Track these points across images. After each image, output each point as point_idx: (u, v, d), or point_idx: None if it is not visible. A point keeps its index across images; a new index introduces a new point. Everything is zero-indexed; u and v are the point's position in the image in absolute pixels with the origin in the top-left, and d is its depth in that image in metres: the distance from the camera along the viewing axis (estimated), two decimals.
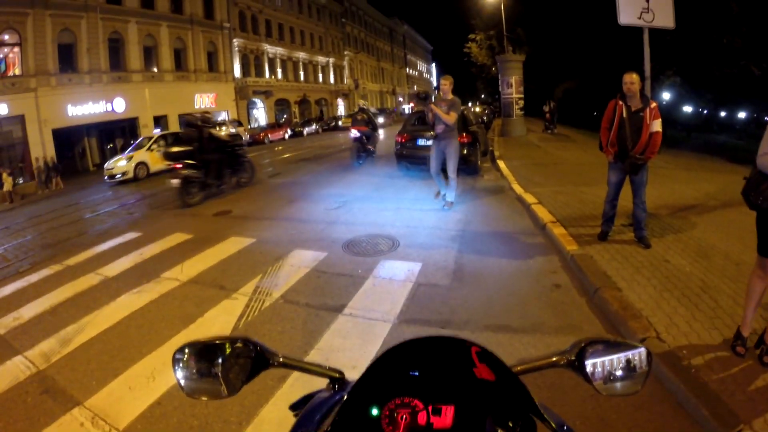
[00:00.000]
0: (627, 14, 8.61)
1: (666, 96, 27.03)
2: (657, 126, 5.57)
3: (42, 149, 23.96)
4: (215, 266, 6.25)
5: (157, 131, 23.81)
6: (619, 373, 1.17)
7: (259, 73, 43.17)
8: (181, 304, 5.18)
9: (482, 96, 63.76)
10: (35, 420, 3.37)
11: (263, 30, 43.83)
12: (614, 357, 1.18)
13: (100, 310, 5.22)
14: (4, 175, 20.72)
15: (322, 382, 1.25)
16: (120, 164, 19.33)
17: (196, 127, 11.42)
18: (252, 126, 38.80)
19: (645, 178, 5.78)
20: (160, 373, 3.76)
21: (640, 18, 8.60)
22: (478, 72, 44.45)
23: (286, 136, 36.76)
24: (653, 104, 5.63)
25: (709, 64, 19.64)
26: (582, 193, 8.55)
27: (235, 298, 5.15)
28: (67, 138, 25.93)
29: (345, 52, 59.90)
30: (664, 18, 8.63)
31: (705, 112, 35.80)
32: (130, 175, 19.06)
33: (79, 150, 26.85)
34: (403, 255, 5.95)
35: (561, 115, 25.79)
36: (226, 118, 34.80)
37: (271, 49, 44.95)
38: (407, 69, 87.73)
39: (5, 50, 23.44)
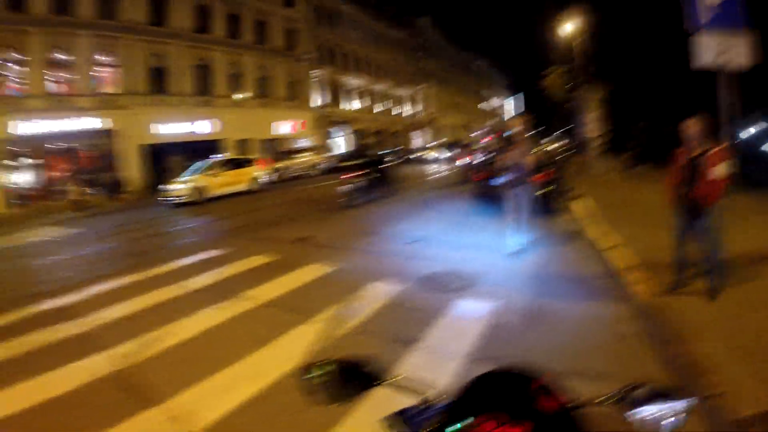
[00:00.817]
0: (702, 58, 8.41)
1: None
2: (719, 171, 5.38)
3: (128, 163, 26.70)
4: (293, 291, 6.72)
5: (218, 157, 25.35)
6: (666, 420, 1.27)
7: (338, 103, 45.04)
8: (257, 325, 5.60)
9: (559, 132, 62.62)
10: (112, 414, 3.75)
11: (342, 62, 45.78)
12: (664, 406, 1.30)
13: (180, 321, 5.78)
14: (70, 185, 22.95)
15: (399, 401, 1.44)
16: (176, 187, 20.40)
17: (364, 151, 14.13)
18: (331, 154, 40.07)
19: (710, 224, 5.63)
20: (233, 388, 4.10)
21: (714, 60, 8.35)
22: (555, 107, 43.96)
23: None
24: (716, 148, 5.50)
25: None
26: (659, 238, 8.27)
27: (310, 324, 5.48)
28: (153, 155, 27.97)
29: (421, 85, 60.90)
30: (739, 56, 8.31)
31: None
32: (187, 198, 19.91)
33: (163, 167, 28.58)
34: (478, 294, 6.16)
35: (645, 153, 24.86)
36: (306, 145, 36.49)
37: (349, 81, 46.72)
38: (482, 102, 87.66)
39: (100, 70, 26.30)
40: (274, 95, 37.16)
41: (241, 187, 22.39)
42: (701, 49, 8.41)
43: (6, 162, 22.72)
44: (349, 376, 1.47)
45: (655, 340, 4.81)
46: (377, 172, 16.53)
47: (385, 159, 19.37)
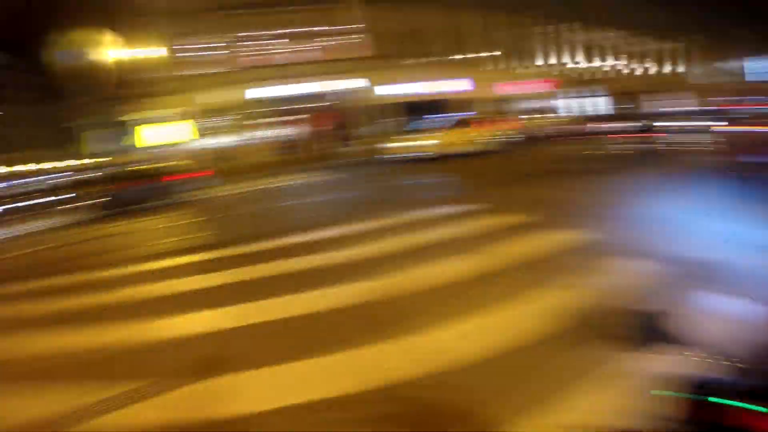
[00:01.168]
0: None
1: None
2: None
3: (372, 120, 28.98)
4: (546, 255, 5.98)
5: (456, 116, 24.19)
6: None
7: (591, 60, 42.25)
8: (507, 282, 5.19)
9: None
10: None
11: (598, 18, 41.83)
12: None
13: (431, 268, 5.79)
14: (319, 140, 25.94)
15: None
16: (417, 143, 20.55)
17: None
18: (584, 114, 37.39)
19: None
20: (489, 334, 3.95)
21: None
22: None
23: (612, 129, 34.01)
24: None
25: None
26: None
27: (558, 289, 4.79)
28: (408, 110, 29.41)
29: (683, 41, 52.93)
30: None
31: None
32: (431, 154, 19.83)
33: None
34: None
35: None
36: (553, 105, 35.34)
37: (601, 37, 43.20)
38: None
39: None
40: (521, 54, 36.64)
41: (475, 147, 21.06)
42: None
43: (273, 120, 26.49)
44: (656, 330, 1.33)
45: None
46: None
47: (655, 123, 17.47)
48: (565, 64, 40.15)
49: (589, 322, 3.87)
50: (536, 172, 14.35)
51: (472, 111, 29.35)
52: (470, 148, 20.80)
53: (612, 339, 1.26)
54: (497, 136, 22.65)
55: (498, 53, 34.54)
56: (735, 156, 10.49)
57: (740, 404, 1.03)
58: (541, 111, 32.36)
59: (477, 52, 33.85)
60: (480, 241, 6.80)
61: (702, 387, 1.16)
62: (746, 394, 1.05)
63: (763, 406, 1.01)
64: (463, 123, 22.07)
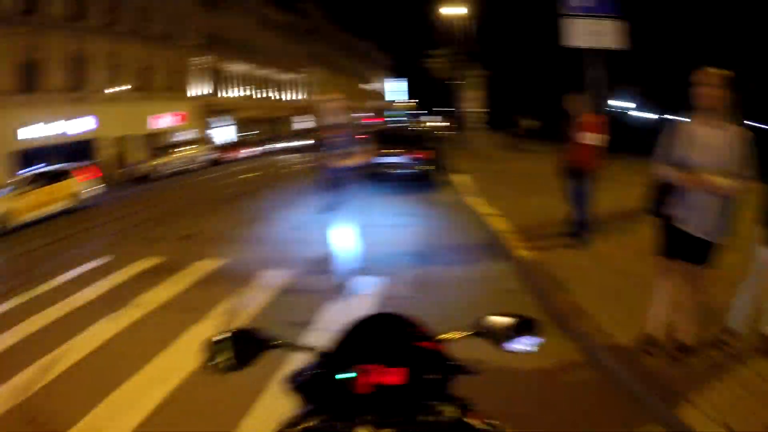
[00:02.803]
0: (574, 38, 9.00)
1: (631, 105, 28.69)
2: (590, 139, 6.35)
3: None
4: (187, 290, 6.38)
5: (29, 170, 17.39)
6: (515, 335, 1.54)
7: (223, 90, 42.95)
8: (156, 329, 5.22)
9: (444, 109, 64.46)
10: None
11: (227, 47, 42.87)
12: (508, 321, 1.56)
13: (74, 339, 5.14)
14: None
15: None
16: None
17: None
18: (217, 144, 37.06)
19: (588, 187, 6.53)
20: (142, 396, 3.87)
21: (584, 40, 8.97)
22: (440, 86, 45.18)
23: (250, 154, 35.55)
24: (591, 119, 6.46)
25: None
26: (536, 202, 9.35)
27: (206, 320, 5.25)
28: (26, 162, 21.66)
29: (306, 69, 59.87)
30: (611, 40, 9.00)
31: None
32: None
33: None
34: (370, 270, 6.31)
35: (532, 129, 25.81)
36: (191, 137, 33.53)
37: (234, 67, 44.61)
38: (367, 84, 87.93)
39: None
40: (153, 87, 33.18)
41: (60, 206, 15.58)
42: (572, 30, 9.03)
43: None
44: (245, 343, 1.55)
45: (538, 292, 5.45)
46: None
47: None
48: (209, 93, 40.26)
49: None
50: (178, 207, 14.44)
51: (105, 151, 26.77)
52: (66, 205, 15.78)
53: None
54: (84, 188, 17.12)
55: (130, 86, 30.90)
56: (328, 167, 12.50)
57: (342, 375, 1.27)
58: (180, 144, 30.42)
59: (111, 85, 29.59)
60: (122, 294, 6.41)
61: (306, 373, 1.39)
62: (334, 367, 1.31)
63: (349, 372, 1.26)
64: (50, 176, 16.12)
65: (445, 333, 1.51)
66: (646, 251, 4.10)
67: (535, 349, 1.55)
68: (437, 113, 67.80)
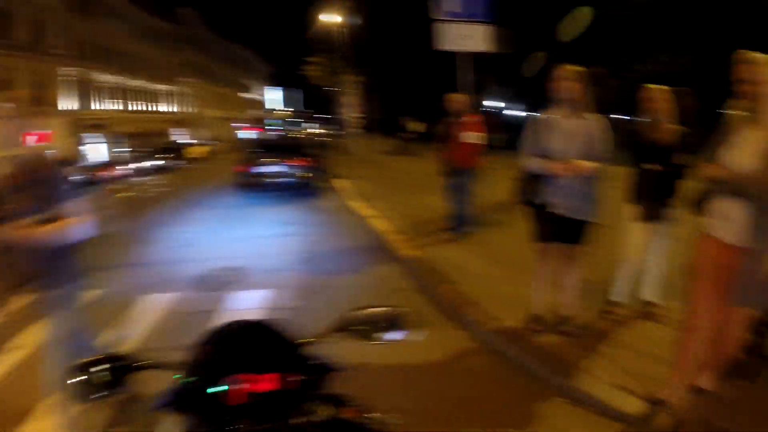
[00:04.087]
0: (444, 41, 9.26)
1: (503, 104, 30.34)
2: (471, 138, 6.53)
3: None
4: None
5: None
6: (379, 324, 1.54)
7: (95, 104, 39.35)
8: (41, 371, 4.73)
9: (324, 116, 64.61)
10: None
11: (98, 57, 39.36)
12: (375, 315, 1.56)
13: None
14: None
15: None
16: None
17: None
18: (88, 163, 34.61)
19: (466, 181, 6.72)
20: None
21: (456, 43, 9.29)
22: (319, 93, 45.19)
23: (126, 172, 30.57)
24: (469, 118, 6.61)
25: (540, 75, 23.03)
26: (417, 201, 9.50)
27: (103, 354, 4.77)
28: None
29: (183, 79, 56.77)
30: (481, 44, 9.38)
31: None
32: None
33: None
34: (254, 283, 6.07)
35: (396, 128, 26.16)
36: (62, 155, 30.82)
37: (107, 78, 40.75)
38: (247, 93, 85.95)
39: None
40: (18, 101, 29.78)
41: None
42: (444, 34, 9.28)
43: None
44: (111, 368, 1.42)
45: (425, 287, 5.47)
46: None
47: None
48: (80, 108, 36.87)
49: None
50: None
51: None
52: None
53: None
54: None
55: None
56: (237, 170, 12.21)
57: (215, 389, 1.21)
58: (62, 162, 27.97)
59: None
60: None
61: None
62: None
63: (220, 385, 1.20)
64: None
65: (312, 333, 1.49)
66: (524, 238, 4.28)
67: (403, 338, 1.54)
68: (317, 120, 67.71)
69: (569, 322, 4.16)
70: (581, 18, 20.94)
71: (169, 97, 53.57)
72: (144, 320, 5.46)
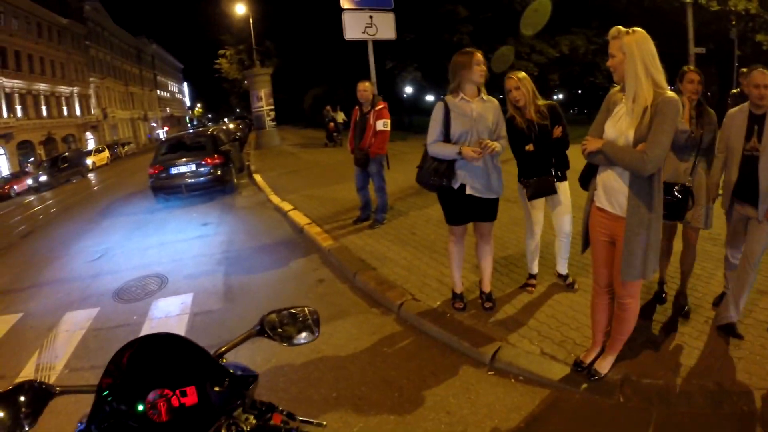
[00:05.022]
0: (352, 31, 9.27)
1: (409, 90, 30.54)
2: (380, 125, 6.53)
3: None
4: None
5: None
6: (294, 327, 1.57)
7: None
8: None
9: (237, 111, 63.03)
10: None
11: None
12: (286, 314, 1.59)
13: None
14: None
15: None
16: None
17: None
18: None
19: (378, 169, 6.75)
20: None
21: (364, 32, 9.32)
22: (230, 87, 43.98)
23: (32, 184, 27.48)
24: (380, 106, 6.58)
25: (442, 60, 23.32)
26: (333, 192, 9.44)
27: (17, 383, 4.39)
28: None
29: (90, 79, 52.30)
30: (386, 31, 9.44)
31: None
32: None
33: None
34: (174, 290, 5.84)
35: (309, 119, 25.74)
36: None
37: (6, 83, 36.39)
38: (158, 91, 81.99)
39: None
40: None
41: None
42: (351, 24, 9.24)
43: None
44: (26, 398, 1.31)
45: (347, 276, 5.46)
46: None
47: None
48: None
49: None
50: None
51: None
52: None
53: None
54: None
55: None
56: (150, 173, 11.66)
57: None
58: None
59: None
60: None
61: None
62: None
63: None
64: None
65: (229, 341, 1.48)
66: (438, 221, 4.35)
67: (316, 337, 1.58)
68: (230, 115, 65.84)
69: (489, 296, 4.30)
70: (542, 10, 21.48)
71: (77, 99, 49.51)
72: (66, 341, 5.08)
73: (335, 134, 20.67)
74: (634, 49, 2.65)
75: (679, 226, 4.05)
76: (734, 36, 20.25)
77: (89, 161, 34.42)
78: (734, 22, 20.01)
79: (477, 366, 3.62)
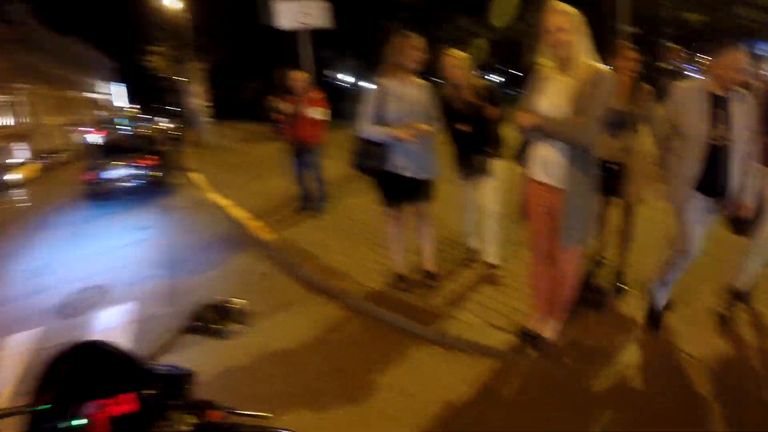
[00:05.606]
0: (286, 20, 9.09)
1: (349, 78, 30.45)
2: (314, 114, 6.46)
3: None
4: None
5: None
6: (224, 321, 1.52)
7: None
8: None
9: (173, 109, 60.88)
10: None
11: None
12: (215, 308, 1.54)
13: None
14: None
15: None
16: None
17: None
18: None
19: (315, 159, 6.69)
20: None
21: (297, 21, 9.14)
22: (166, 85, 42.47)
23: None
24: (314, 94, 6.54)
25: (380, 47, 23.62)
26: (273, 185, 9.32)
27: None
28: None
29: (18, 85, 49.33)
30: (321, 20, 9.28)
31: None
32: None
33: None
34: (117, 299, 5.59)
35: (250, 113, 25.10)
36: None
37: None
38: (91, 93, 77.91)
39: None
40: None
41: None
42: (282, 12, 9.07)
43: None
44: None
45: (290, 267, 5.42)
46: None
47: None
48: None
49: None
50: None
51: None
52: None
53: None
54: None
55: None
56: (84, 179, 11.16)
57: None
58: None
59: None
60: None
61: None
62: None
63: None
64: None
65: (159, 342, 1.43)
66: (375, 205, 4.36)
67: (245, 329, 1.55)
68: (164, 113, 63.59)
69: (433, 275, 4.34)
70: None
71: (3, 108, 46.26)
72: (12, 365, 4.74)
73: (276, 124, 20.19)
74: (578, 24, 2.71)
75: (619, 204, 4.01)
76: (663, 16, 20.89)
77: (15, 176, 32.31)
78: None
79: (426, 343, 3.67)
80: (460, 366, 3.38)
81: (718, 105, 3.05)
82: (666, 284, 3.46)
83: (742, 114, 3.04)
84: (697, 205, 3.20)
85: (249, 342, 3.70)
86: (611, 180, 3.59)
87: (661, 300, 3.52)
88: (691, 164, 3.13)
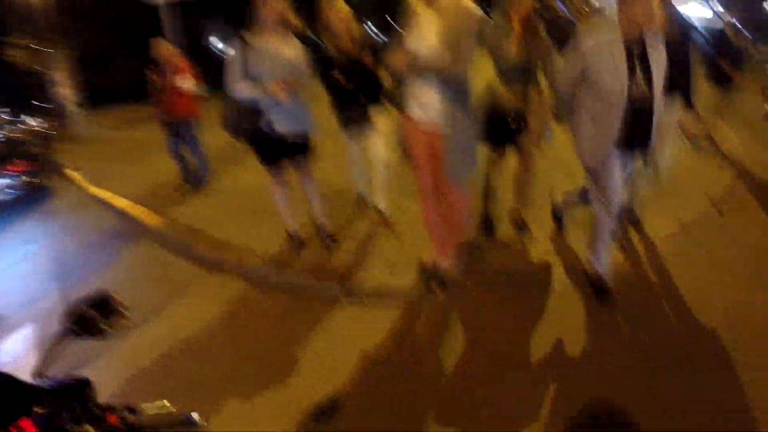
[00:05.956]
0: None
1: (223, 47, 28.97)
2: (182, 83, 6.14)
3: None
4: None
5: None
6: (102, 318, 1.44)
7: None
8: None
9: (41, 105, 55.56)
10: None
11: None
12: (87, 306, 1.45)
13: None
14: None
15: None
16: None
17: None
18: None
19: (190, 131, 6.40)
20: None
21: None
22: (32, 80, 38.53)
23: None
24: (182, 66, 6.32)
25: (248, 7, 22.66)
26: (154, 166, 8.83)
27: None
28: None
29: None
30: None
31: None
32: None
33: None
34: (14, 325, 5.05)
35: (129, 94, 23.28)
36: None
37: None
38: None
39: None
40: None
41: None
42: None
43: None
44: None
45: (179, 248, 5.31)
46: None
47: None
48: None
49: None
50: None
51: None
52: None
53: None
54: None
55: None
56: None
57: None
58: None
59: None
60: None
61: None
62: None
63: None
64: None
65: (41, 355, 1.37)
66: (259, 170, 4.26)
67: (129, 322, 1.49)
68: (33, 111, 58.02)
69: (328, 232, 4.35)
70: None
71: None
72: None
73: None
74: None
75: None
76: None
77: None
78: None
79: (331, 302, 3.72)
80: (370, 317, 3.48)
81: (634, 58, 2.76)
82: (604, 243, 3.27)
83: (659, 63, 2.82)
84: (617, 160, 3.00)
85: (154, 335, 3.58)
86: (509, 129, 3.57)
87: (606, 260, 3.36)
88: (610, 126, 2.88)
